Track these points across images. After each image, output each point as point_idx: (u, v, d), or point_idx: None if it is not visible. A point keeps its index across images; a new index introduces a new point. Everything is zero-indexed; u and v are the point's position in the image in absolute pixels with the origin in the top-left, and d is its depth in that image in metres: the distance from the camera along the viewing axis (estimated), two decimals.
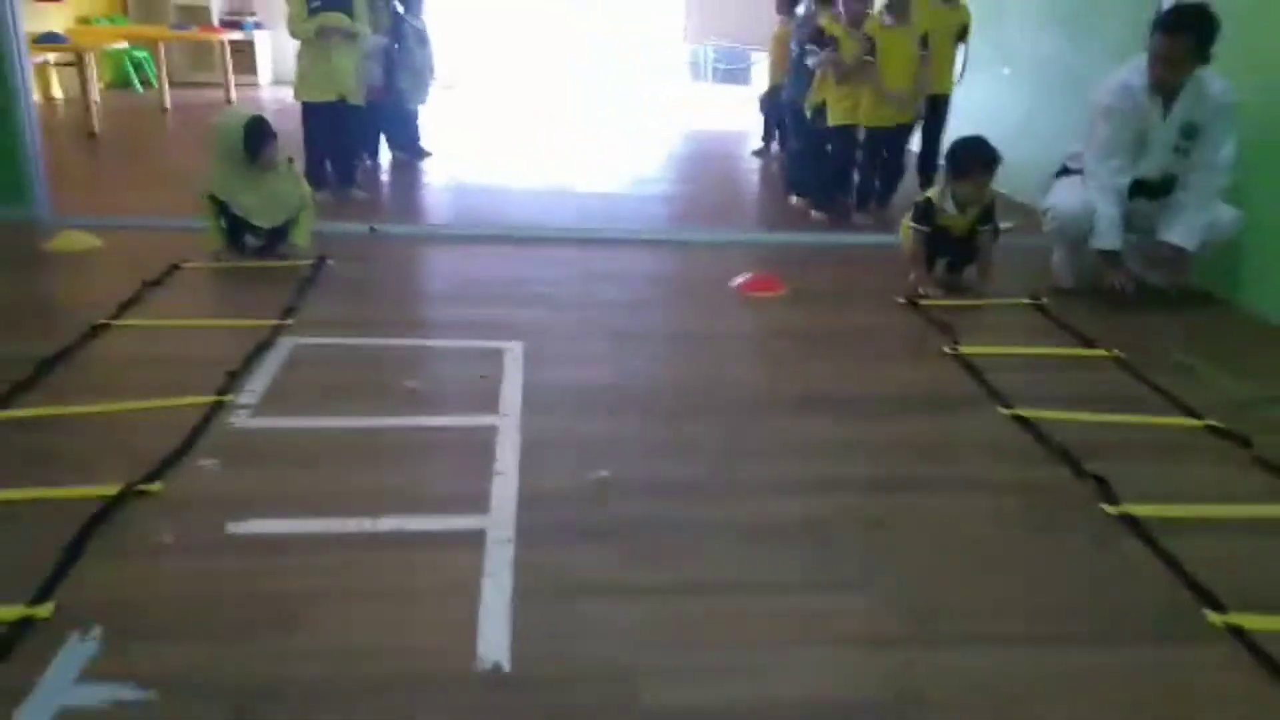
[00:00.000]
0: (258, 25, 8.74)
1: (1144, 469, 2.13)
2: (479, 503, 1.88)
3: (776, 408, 2.43)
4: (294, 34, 4.36)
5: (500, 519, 1.82)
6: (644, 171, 5.97)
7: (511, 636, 1.49)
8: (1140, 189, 3.29)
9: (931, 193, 3.41)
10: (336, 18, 4.26)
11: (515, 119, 7.65)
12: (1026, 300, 3.32)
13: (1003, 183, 5.20)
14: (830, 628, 1.57)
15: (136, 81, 8.11)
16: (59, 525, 1.71)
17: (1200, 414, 2.41)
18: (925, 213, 3.39)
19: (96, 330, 2.66)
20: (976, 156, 3.30)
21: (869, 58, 4.14)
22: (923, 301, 3.23)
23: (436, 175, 5.38)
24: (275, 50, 8.94)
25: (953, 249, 3.46)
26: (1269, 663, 1.49)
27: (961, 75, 5.79)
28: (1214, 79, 3.11)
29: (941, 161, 3.80)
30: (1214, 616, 1.61)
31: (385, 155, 5.49)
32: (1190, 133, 3.15)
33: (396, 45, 5.07)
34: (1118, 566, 1.77)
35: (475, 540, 1.75)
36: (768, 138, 6.30)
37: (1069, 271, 3.49)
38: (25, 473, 1.92)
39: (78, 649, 1.42)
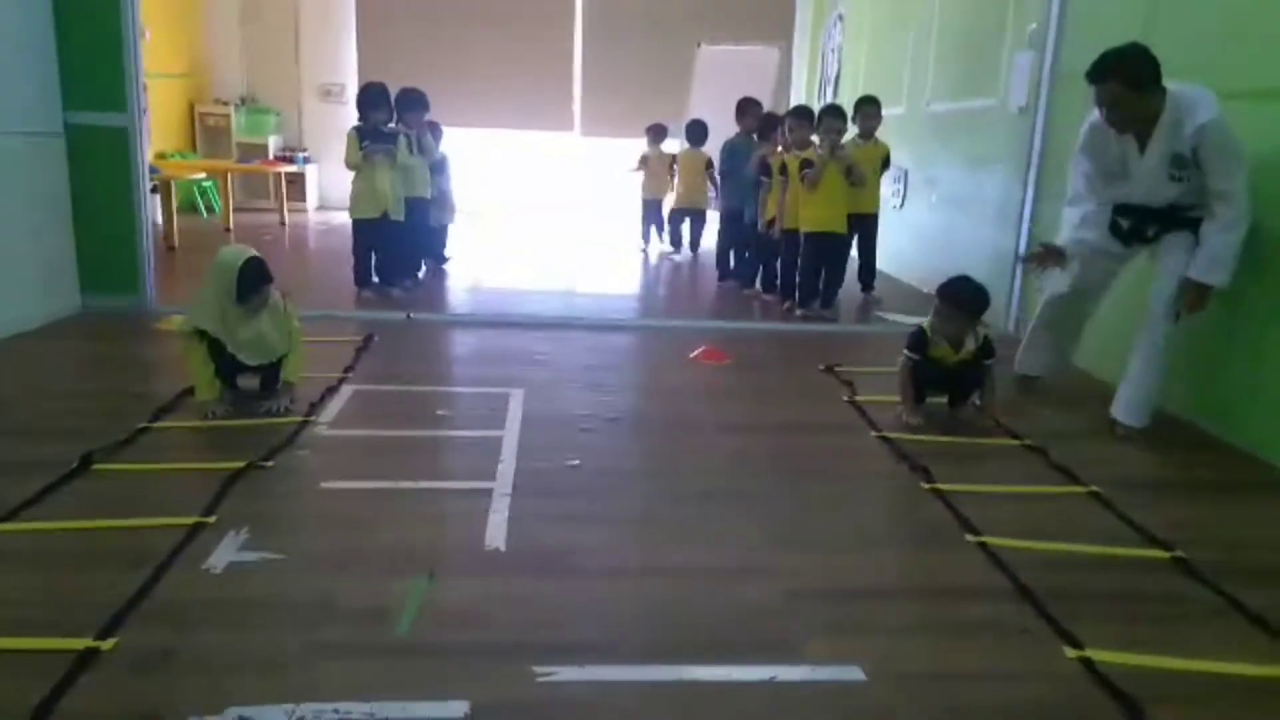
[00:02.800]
0: (307, 160, 10.05)
1: (957, 466, 3.00)
2: (488, 475, 2.76)
3: (706, 429, 3.33)
4: (349, 165, 5.43)
5: (502, 484, 2.70)
6: (625, 277, 7.04)
7: (505, 536, 2.36)
8: (1136, 216, 3.29)
9: (925, 322, 3.41)
10: (381, 146, 5.34)
11: (524, 238, 8.78)
12: None
13: (931, 284, 6.24)
14: (715, 536, 2.43)
15: (202, 207, 9.35)
16: (214, 478, 2.61)
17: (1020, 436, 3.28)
18: (917, 341, 3.39)
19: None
20: (959, 300, 3.31)
21: (828, 159, 5.16)
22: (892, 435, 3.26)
23: (461, 279, 6.42)
24: (321, 181, 10.25)
25: (950, 381, 3.44)
26: (997, 560, 2.33)
27: (903, 203, 6.92)
28: (1195, 97, 3.00)
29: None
30: (969, 537, 2.45)
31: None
32: (1181, 162, 3.06)
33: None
34: (915, 514, 2.63)
35: (485, 494, 2.63)
36: (675, 241, 7.83)
37: (1037, 357, 3.78)
38: (192, 455, 2.84)
39: (234, 539, 2.30)
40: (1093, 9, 4.50)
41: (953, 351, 3.36)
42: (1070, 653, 1.91)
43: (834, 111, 5.39)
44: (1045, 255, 3.52)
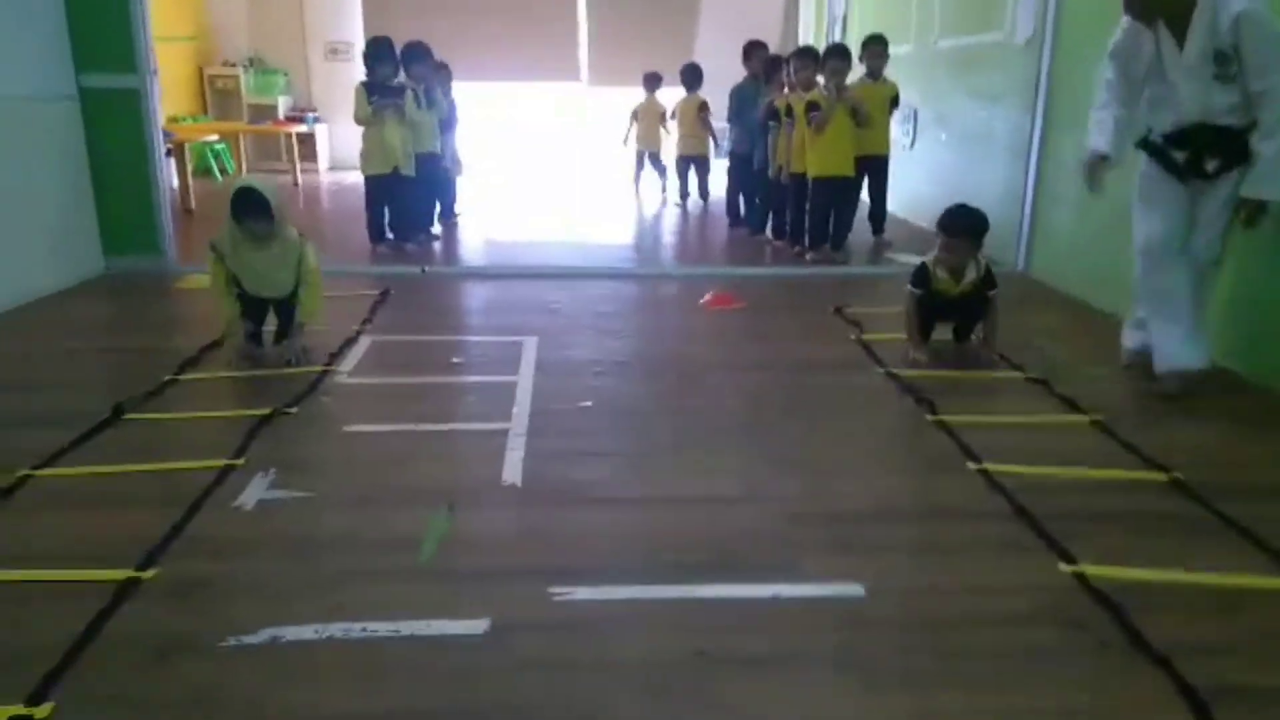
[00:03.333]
0: (318, 119, 10.07)
1: (961, 399, 3.06)
2: (504, 417, 2.84)
3: (715, 369, 3.40)
4: (358, 120, 5.47)
5: (518, 425, 2.79)
6: (635, 226, 7.07)
7: (521, 473, 2.45)
8: (1185, 144, 2.91)
9: (927, 258, 3.44)
10: (389, 100, 5.38)
11: (534, 190, 8.79)
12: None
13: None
14: (722, 467, 2.51)
15: (216, 170, 9.41)
16: (241, 424, 2.71)
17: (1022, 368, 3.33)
18: (920, 276, 3.43)
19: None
20: (959, 225, 3.34)
21: (835, 100, 5.16)
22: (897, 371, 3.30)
23: (473, 233, 6.47)
24: (332, 140, 10.27)
25: (954, 312, 3.51)
26: (997, 485, 2.39)
27: (913, 143, 6.89)
28: None
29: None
30: (971, 465, 2.52)
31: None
32: (1224, 59, 2.73)
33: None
34: (918, 444, 2.70)
35: (501, 434, 2.71)
36: (683, 192, 7.77)
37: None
38: (218, 404, 2.94)
39: (262, 479, 2.40)
40: None
41: (954, 283, 3.38)
42: (1064, 567, 1.98)
43: (839, 52, 5.36)
44: (1093, 169, 3.13)
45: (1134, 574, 1.95)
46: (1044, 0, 4.86)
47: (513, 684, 1.60)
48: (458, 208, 6.78)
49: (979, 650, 1.71)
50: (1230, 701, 1.55)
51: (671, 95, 7.86)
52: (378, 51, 5.41)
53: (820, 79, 5.31)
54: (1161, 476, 2.45)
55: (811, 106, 5.19)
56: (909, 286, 3.49)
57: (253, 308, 3.38)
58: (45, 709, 1.51)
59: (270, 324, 3.47)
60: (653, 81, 7.99)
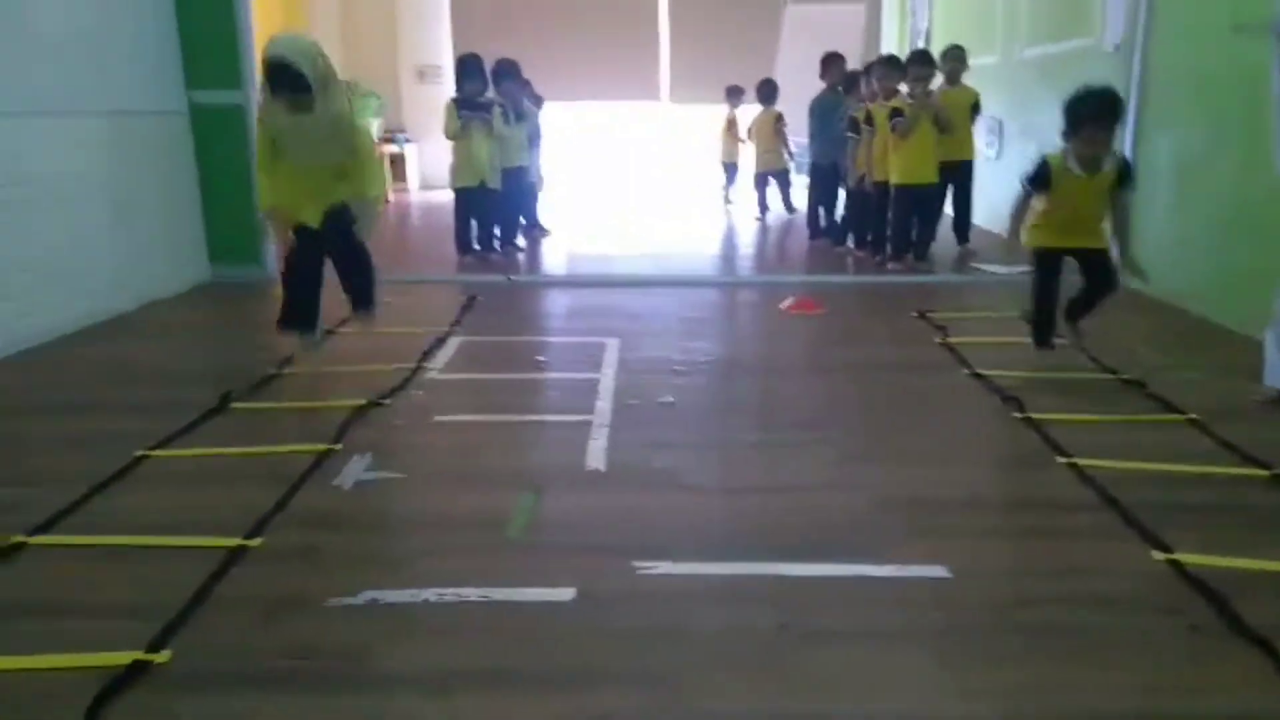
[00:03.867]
0: (408, 140, 10.42)
1: (1050, 398, 3.01)
2: (587, 410, 2.91)
3: (797, 370, 3.42)
4: (448, 135, 5.66)
5: (600, 418, 2.85)
6: (716, 239, 7.11)
7: (605, 459, 2.51)
8: None
9: (1052, 154, 3.15)
10: (477, 114, 5.55)
11: (617, 206, 8.92)
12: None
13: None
14: (805, 458, 2.52)
15: None
16: (338, 413, 2.84)
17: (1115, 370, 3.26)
18: (1042, 174, 3.12)
19: (331, 332, 3.86)
20: (1099, 104, 3.00)
21: (919, 106, 5.15)
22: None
23: (557, 246, 6.61)
24: (422, 160, 10.61)
25: (1084, 266, 3.22)
26: (1087, 477, 2.35)
27: (999, 154, 6.80)
28: None
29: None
30: (1060, 459, 2.48)
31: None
32: None
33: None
34: (1004, 439, 2.67)
35: (584, 425, 2.77)
36: (762, 206, 7.82)
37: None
38: (317, 396, 3.08)
39: (359, 462, 2.50)
40: None
41: (1088, 177, 3.07)
42: (1157, 555, 1.94)
43: (922, 58, 5.35)
44: None
45: (1230, 562, 1.90)
46: (1135, 4, 4.77)
47: (595, 648, 1.64)
48: (542, 221, 6.93)
49: (1063, 630, 1.69)
50: None
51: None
52: (467, 68, 5.60)
53: (903, 87, 5.30)
54: (1263, 473, 2.37)
55: (895, 113, 5.17)
56: (1023, 182, 3.21)
57: (306, 251, 3.22)
58: (164, 656, 1.61)
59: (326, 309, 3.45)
60: (735, 95, 8.29)
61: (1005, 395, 2.99)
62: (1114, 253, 3.30)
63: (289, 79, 2.96)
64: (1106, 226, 3.31)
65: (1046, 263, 3.28)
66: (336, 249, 3.29)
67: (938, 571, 1.89)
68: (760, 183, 7.79)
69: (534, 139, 6.59)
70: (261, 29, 5.35)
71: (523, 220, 6.54)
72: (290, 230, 3.24)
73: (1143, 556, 1.95)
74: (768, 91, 7.59)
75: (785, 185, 7.74)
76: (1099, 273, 3.25)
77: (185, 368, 3.49)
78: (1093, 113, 3.01)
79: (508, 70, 5.85)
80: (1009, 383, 3.12)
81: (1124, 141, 4.88)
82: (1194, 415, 2.78)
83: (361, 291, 3.38)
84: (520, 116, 5.98)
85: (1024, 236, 3.35)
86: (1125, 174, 3.14)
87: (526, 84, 6.49)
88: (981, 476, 2.44)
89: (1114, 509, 2.16)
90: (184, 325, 4.21)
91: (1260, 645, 1.61)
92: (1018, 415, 2.82)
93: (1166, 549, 1.96)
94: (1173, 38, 4.52)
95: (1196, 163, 4.24)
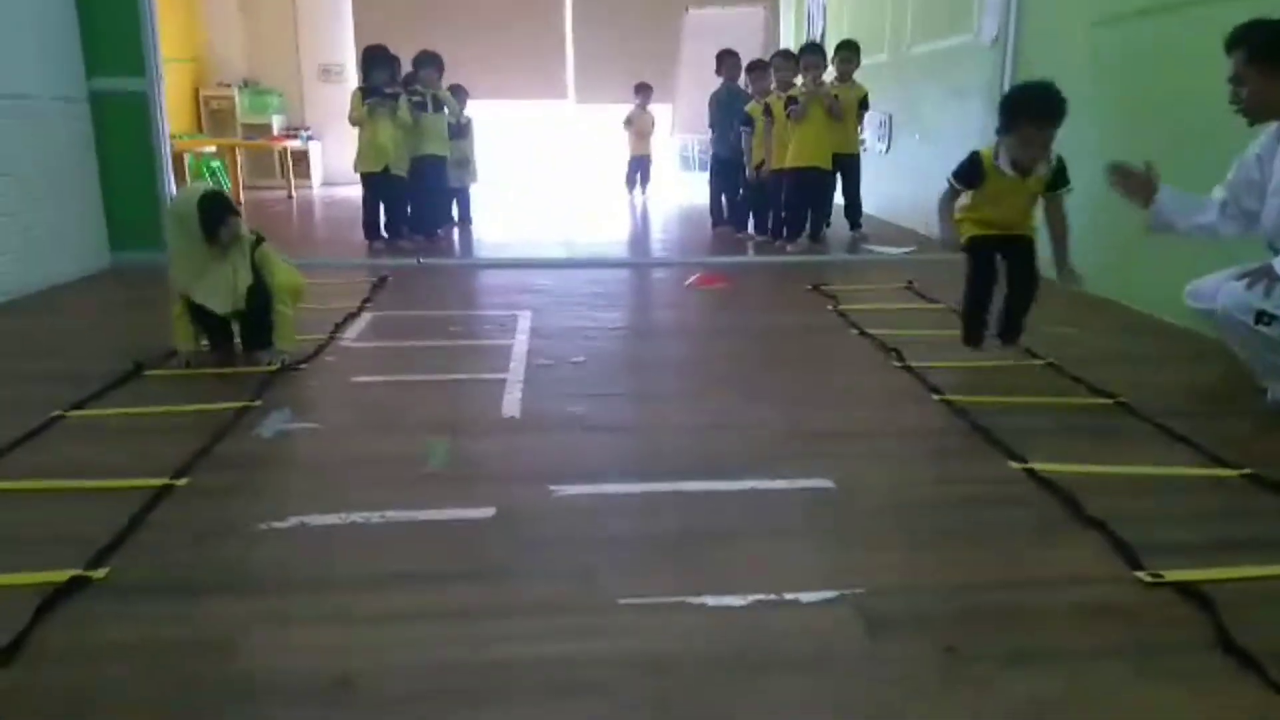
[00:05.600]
0: (311, 137, 10.32)
1: (928, 350, 3.27)
2: (503, 369, 3.04)
3: (701, 333, 3.62)
4: (353, 121, 5.70)
5: (515, 375, 2.99)
6: (622, 226, 7.31)
7: (520, 408, 2.65)
8: None
9: (984, 151, 2.89)
10: (381, 99, 5.60)
11: (526, 200, 9.05)
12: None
13: (918, 221, 6.52)
14: (706, 402, 2.71)
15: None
16: (254, 377, 2.91)
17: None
18: (971, 169, 2.87)
19: None
20: (1040, 101, 2.71)
21: (812, 93, 5.45)
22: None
23: (471, 233, 6.70)
24: (325, 157, 10.52)
25: (1009, 246, 2.97)
26: (962, 412, 2.60)
27: (888, 148, 7.17)
28: None
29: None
30: (935, 397, 2.73)
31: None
32: None
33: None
34: (885, 382, 2.91)
35: (499, 382, 2.90)
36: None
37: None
38: (231, 365, 3.13)
39: (279, 415, 2.58)
40: None
41: (1020, 179, 2.82)
42: (1014, 465, 2.19)
43: (814, 49, 5.67)
44: (1127, 176, 2.83)
45: (1074, 468, 2.16)
46: (1007, 3, 5.16)
47: (516, 553, 1.79)
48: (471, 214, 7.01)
49: (934, 522, 1.92)
50: (1159, 552, 1.75)
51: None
52: (374, 59, 5.65)
53: (799, 80, 5.59)
54: (1108, 401, 2.66)
55: (790, 101, 5.45)
56: (950, 179, 2.95)
57: (214, 336, 3.16)
58: (101, 573, 1.69)
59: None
60: (644, 92, 8.91)
61: (887, 348, 3.24)
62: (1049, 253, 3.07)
63: (220, 203, 2.99)
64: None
65: (979, 254, 3.02)
66: (245, 329, 3.17)
67: (824, 484, 2.10)
68: (634, 166, 8.99)
69: (466, 130, 6.71)
70: (164, 24, 5.32)
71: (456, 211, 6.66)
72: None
73: (1003, 466, 2.19)
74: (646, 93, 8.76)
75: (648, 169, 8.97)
76: (1021, 267, 3.00)
77: (94, 342, 3.49)
78: (1032, 111, 2.74)
79: (428, 59, 5.93)
80: (892, 340, 3.38)
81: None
82: (1052, 360, 3.08)
83: (257, 336, 3.15)
84: (440, 106, 6.05)
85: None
86: (1060, 177, 2.88)
87: (459, 89, 6.59)
88: (865, 413, 2.66)
89: (980, 433, 2.41)
90: (88, 305, 4.17)
91: (1099, 527, 1.86)
92: (898, 364, 3.07)
93: (1022, 460, 2.21)
94: (1040, 33, 4.91)
95: (1063, 150, 4.59)
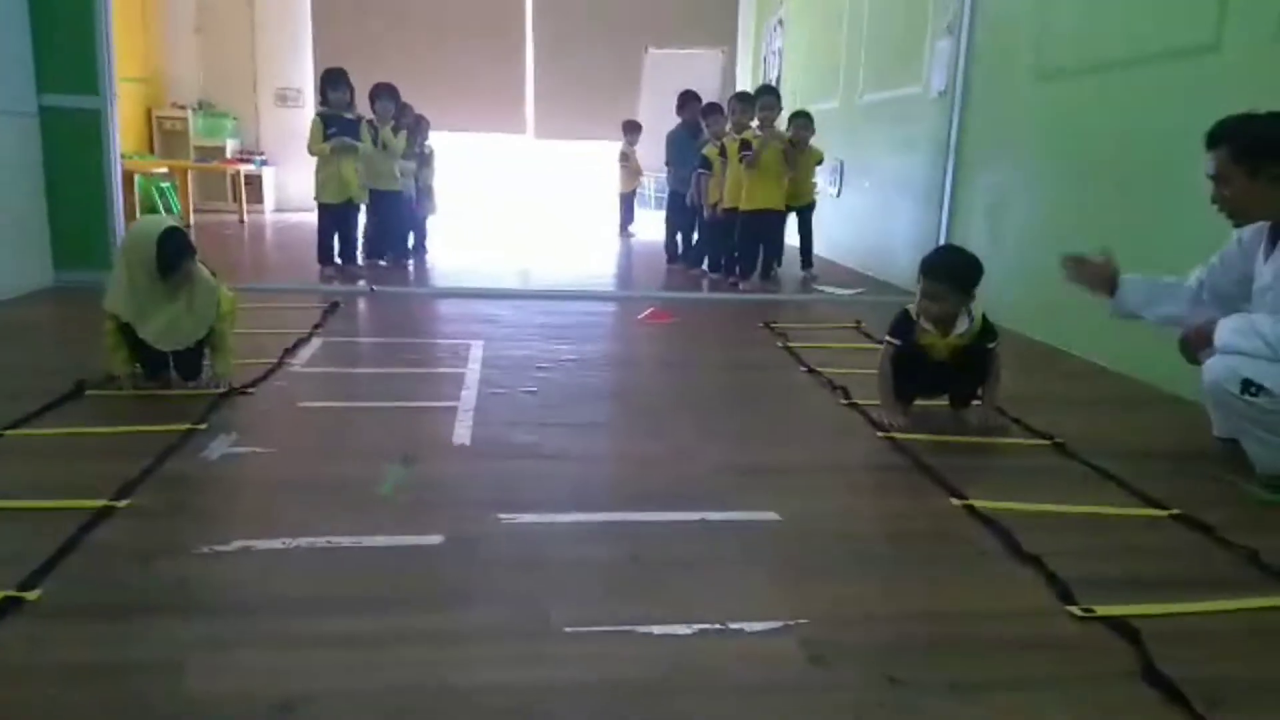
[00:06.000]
0: (265, 162, 10.24)
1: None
2: (455, 398, 3.04)
3: (652, 366, 3.66)
4: (312, 152, 5.69)
5: (466, 404, 2.99)
6: (576, 260, 7.37)
7: (471, 436, 2.65)
8: None
9: (911, 305, 2.91)
10: (344, 140, 5.62)
11: (482, 231, 9.07)
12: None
13: (867, 265, 6.66)
14: (655, 434, 2.74)
15: (161, 208, 9.49)
16: (200, 400, 2.87)
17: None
18: (901, 325, 2.88)
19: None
20: (941, 268, 2.80)
21: (766, 140, 5.57)
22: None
23: (425, 262, 6.69)
24: (278, 182, 10.44)
25: (943, 378, 2.94)
26: (904, 449, 2.66)
27: (839, 193, 7.35)
28: None
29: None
30: (879, 434, 2.79)
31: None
32: None
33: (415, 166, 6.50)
34: (830, 419, 2.97)
35: (451, 410, 2.90)
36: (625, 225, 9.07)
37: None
38: (177, 386, 3.08)
39: (225, 438, 2.55)
40: None
41: (941, 336, 2.84)
42: (955, 502, 2.25)
43: (769, 91, 5.83)
44: (1082, 265, 2.79)
45: (1013, 506, 2.22)
46: (955, 56, 5.35)
47: (463, 580, 1.79)
48: (427, 243, 7.00)
49: (876, 554, 1.97)
50: (1090, 587, 1.80)
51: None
52: (332, 79, 5.65)
53: (755, 123, 5.72)
54: (1046, 443, 2.75)
55: (745, 146, 5.57)
56: (886, 337, 2.94)
57: (149, 365, 3.03)
58: (34, 594, 1.65)
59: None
60: (632, 130, 9.10)
61: (834, 385, 3.31)
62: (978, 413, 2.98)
63: (181, 243, 2.87)
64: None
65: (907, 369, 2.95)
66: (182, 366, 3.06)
67: (770, 516, 2.13)
68: (626, 203, 9.09)
69: (428, 160, 6.73)
70: (120, 43, 5.28)
71: (412, 240, 6.67)
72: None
73: (944, 503, 2.25)
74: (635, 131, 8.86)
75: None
76: (962, 380, 2.97)
77: (34, 361, 3.42)
78: (925, 267, 2.81)
79: (382, 91, 5.96)
80: (838, 378, 3.45)
81: (945, 181, 5.44)
82: (997, 406, 3.16)
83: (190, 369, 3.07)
84: (397, 130, 6.08)
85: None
86: (987, 334, 2.87)
87: (407, 108, 6.57)
88: (811, 448, 2.72)
89: (923, 471, 2.47)
90: (28, 325, 4.09)
91: (1034, 562, 1.91)
92: (844, 402, 3.14)
93: (962, 496, 2.27)
94: (985, 88, 5.10)
95: (1008, 199, 4.78)
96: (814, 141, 6.17)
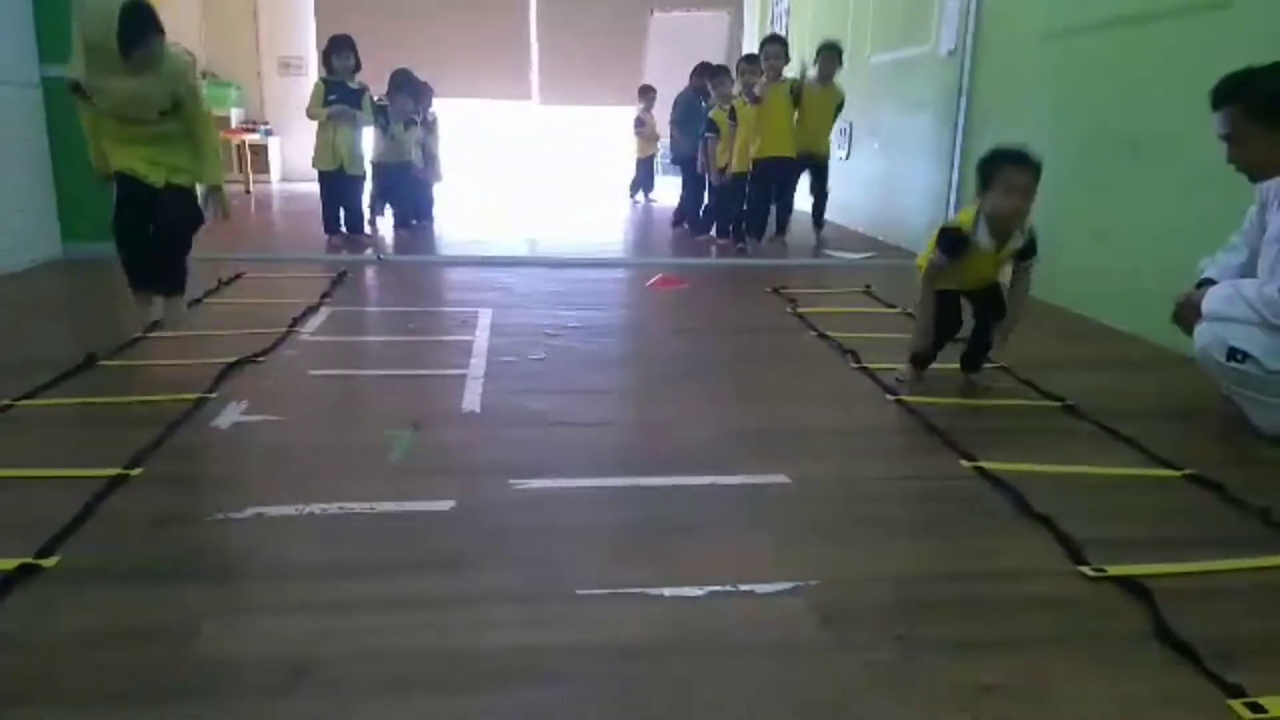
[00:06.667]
0: (269, 132, 10.19)
1: (885, 353, 3.33)
2: (463, 365, 3.04)
3: (661, 332, 3.65)
4: (310, 117, 5.65)
5: (475, 371, 2.99)
6: (584, 226, 7.33)
7: (481, 403, 2.65)
8: None
9: (962, 216, 2.77)
10: (343, 108, 5.58)
11: (489, 199, 9.03)
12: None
13: (876, 228, 6.62)
14: (665, 399, 2.74)
15: None
16: (211, 368, 2.87)
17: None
18: (954, 242, 2.69)
19: (198, 301, 3.84)
20: (1028, 156, 2.61)
21: (771, 81, 5.55)
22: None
23: (433, 230, 6.67)
24: (284, 152, 10.39)
25: (977, 305, 2.88)
26: (915, 412, 2.65)
27: (848, 155, 7.27)
28: None
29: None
30: (889, 397, 2.78)
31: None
32: None
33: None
34: (842, 384, 2.96)
35: (460, 378, 2.91)
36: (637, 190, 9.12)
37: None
38: (187, 355, 3.09)
39: (236, 407, 2.56)
40: None
41: (994, 252, 2.71)
42: (965, 464, 2.24)
43: (775, 40, 5.75)
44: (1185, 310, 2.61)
45: (1021, 467, 2.22)
46: (964, 16, 5.27)
47: (475, 545, 1.79)
48: (434, 211, 7.00)
49: (885, 517, 1.96)
50: (1101, 547, 1.80)
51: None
52: (337, 46, 5.60)
53: (762, 79, 5.66)
54: (1056, 404, 2.74)
55: (750, 86, 5.54)
56: (935, 255, 2.75)
57: (136, 208, 2.99)
58: (51, 561, 1.67)
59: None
60: (647, 94, 9.04)
61: (844, 349, 3.30)
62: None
63: (145, 15, 2.68)
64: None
65: (945, 296, 2.88)
66: (166, 222, 3.15)
67: (780, 479, 2.13)
68: (642, 169, 9.07)
69: (432, 128, 6.70)
70: None
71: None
72: (111, 176, 3.01)
73: (954, 465, 2.25)
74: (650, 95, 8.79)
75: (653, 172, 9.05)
76: (991, 305, 2.90)
77: (44, 333, 3.43)
78: (1011, 157, 2.63)
79: (401, 82, 5.97)
80: (848, 342, 3.44)
81: (955, 140, 5.38)
82: (1002, 364, 3.15)
83: (169, 272, 3.23)
84: (410, 124, 6.09)
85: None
86: (1031, 247, 2.77)
87: (424, 84, 6.56)
88: (821, 412, 2.71)
89: (933, 434, 2.46)
90: (38, 296, 4.10)
91: (1045, 523, 1.91)
92: (855, 365, 3.13)
93: (973, 458, 2.26)
94: (994, 46, 5.02)
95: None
96: None
